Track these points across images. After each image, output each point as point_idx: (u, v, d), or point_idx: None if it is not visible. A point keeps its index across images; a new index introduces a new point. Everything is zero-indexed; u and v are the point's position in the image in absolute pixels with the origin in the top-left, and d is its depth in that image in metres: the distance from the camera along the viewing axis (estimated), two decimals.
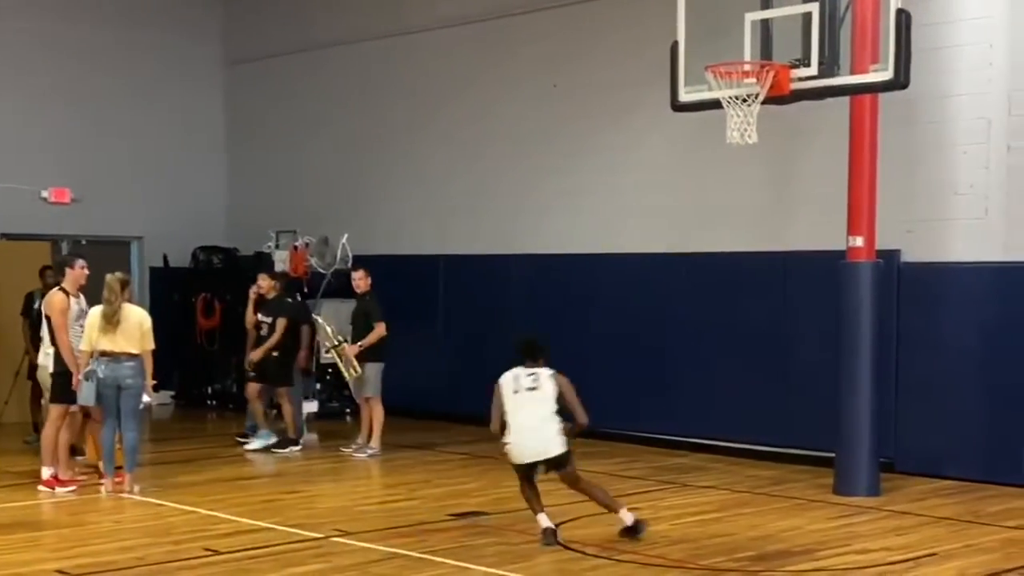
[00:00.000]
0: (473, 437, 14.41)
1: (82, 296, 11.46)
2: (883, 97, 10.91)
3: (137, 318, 10.96)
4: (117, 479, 11.09)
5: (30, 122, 17.36)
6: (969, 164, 12.07)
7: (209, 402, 17.97)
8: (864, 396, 11.16)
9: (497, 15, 15.93)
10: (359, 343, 13.40)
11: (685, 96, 10.57)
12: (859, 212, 11.15)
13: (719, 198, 13.88)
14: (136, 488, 11.05)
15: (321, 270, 15.98)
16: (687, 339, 13.97)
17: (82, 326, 11.03)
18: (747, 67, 10.08)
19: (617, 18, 14.69)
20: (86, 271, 11.49)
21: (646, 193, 14.53)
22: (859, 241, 11.14)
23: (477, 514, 10.24)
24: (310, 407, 14.91)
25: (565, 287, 14.95)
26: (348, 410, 16.38)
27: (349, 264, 15.15)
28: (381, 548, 8.94)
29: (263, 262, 16.14)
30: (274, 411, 14.48)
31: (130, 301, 11.07)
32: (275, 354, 13.76)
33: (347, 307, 14.31)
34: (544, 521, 9.12)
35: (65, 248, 17.10)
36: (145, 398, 11.12)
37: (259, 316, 13.99)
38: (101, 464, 11.30)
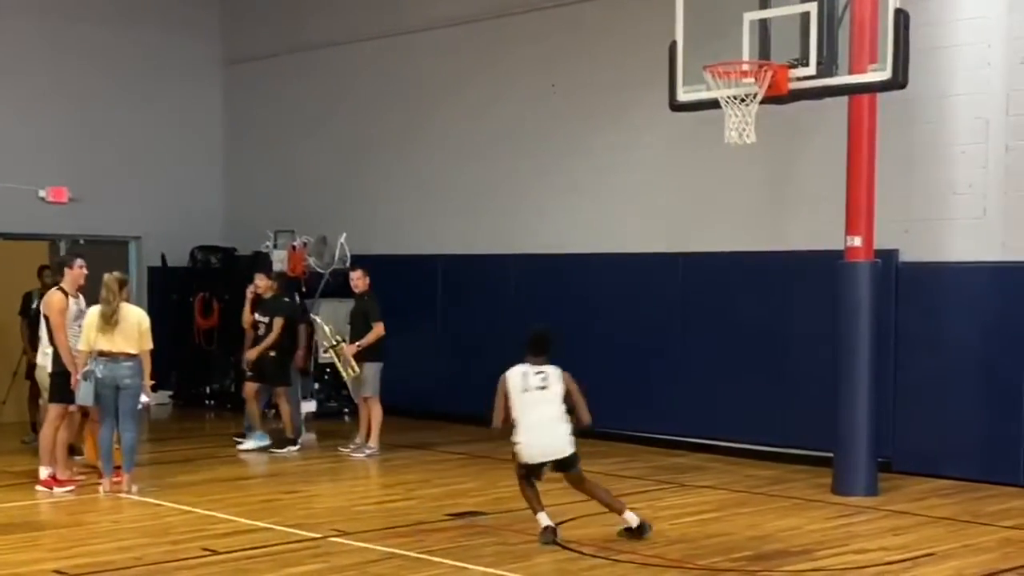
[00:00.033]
0: (471, 437, 14.42)
1: (81, 296, 11.46)
2: (881, 97, 10.91)
3: (135, 318, 10.96)
4: (115, 479, 11.08)
5: (27, 121, 17.34)
6: (967, 164, 12.07)
7: (207, 402, 17.96)
8: (862, 396, 11.16)
9: (496, 15, 15.93)
10: (357, 343, 13.40)
11: (683, 96, 10.57)
12: (857, 212, 11.15)
13: (717, 198, 13.88)
14: (134, 488, 11.04)
15: (319, 270, 15.99)
16: (685, 339, 13.98)
17: (81, 326, 11.02)
18: (745, 67, 10.08)
19: (615, 18, 14.69)
20: (85, 271, 11.49)
21: (644, 193, 14.54)
22: (857, 241, 11.15)
23: (475, 514, 10.24)
24: (308, 407, 14.91)
25: (563, 287, 14.94)
26: (346, 410, 16.40)
27: (347, 264, 15.15)
28: (379, 548, 8.94)
29: (261, 262, 16.14)
30: (272, 411, 14.49)
31: (128, 301, 11.07)
32: (272, 354, 13.76)
33: (345, 307, 14.32)
34: (544, 520, 9.12)
35: (63, 248, 17.10)
36: (143, 398, 11.11)
37: (256, 316, 13.99)
38: (99, 464, 11.29)
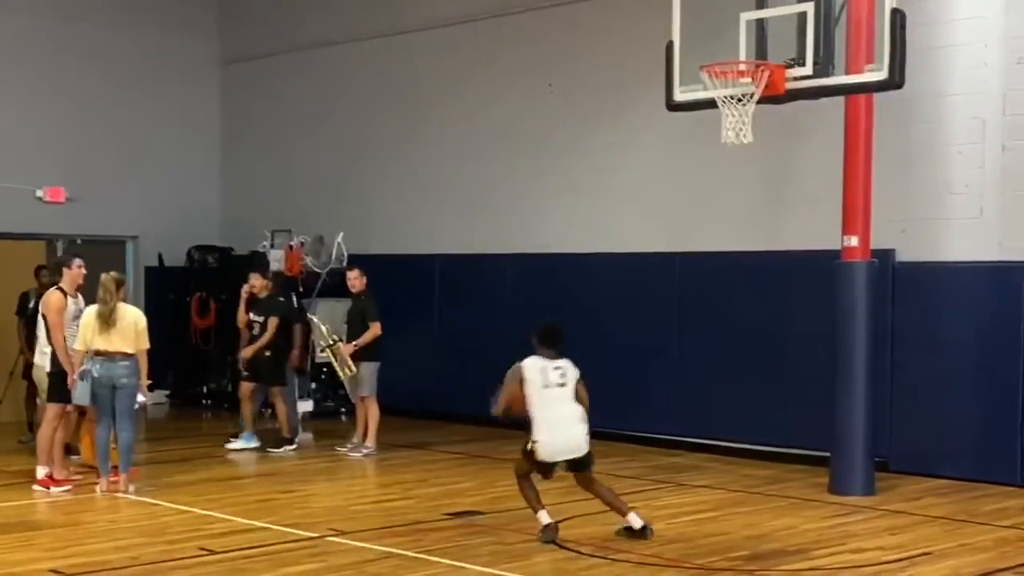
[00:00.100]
0: (468, 436, 14.44)
1: (80, 296, 11.45)
2: (878, 97, 10.92)
3: (132, 318, 10.95)
4: (112, 478, 11.07)
5: (24, 121, 17.32)
6: (964, 164, 12.08)
7: (204, 401, 17.95)
8: (859, 395, 11.17)
9: (493, 15, 15.93)
10: (354, 342, 13.40)
11: (680, 96, 10.58)
12: (854, 211, 11.16)
13: (715, 198, 13.89)
14: (131, 488, 11.04)
15: (316, 269, 16.00)
16: (682, 338, 13.98)
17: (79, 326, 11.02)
18: (742, 67, 10.09)
19: (613, 18, 14.69)
20: (83, 271, 11.48)
21: (642, 193, 14.54)
22: (854, 240, 11.15)
23: (472, 513, 10.24)
24: (305, 406, 14.89)
25: (560, 287, 14.93)
26: (343, 409, 16.39)
27: (344, 263, 15.14)
28: (376, 547, 8.93)
29: (258, 261, 16.14)
30: (269, 410, 14.49)
31: (125, 301, 11.07)
32: (267, 353, 13.75)
33: (343, 306, 14.32)
34: (545, 518, 9.11)
35: (60, 248, 17.08)
36: (140, 398, 11.10)
37: (251, 315, 13.98)
38: (96, 463, 11.27)
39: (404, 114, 17.08)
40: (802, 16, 10.00)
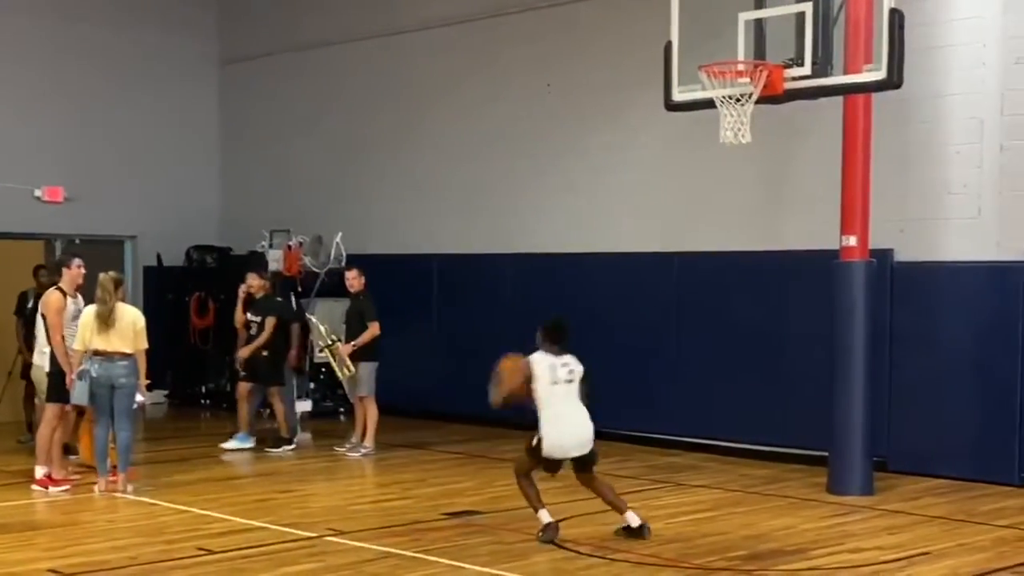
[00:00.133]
0: (467, 436, 14.45)
1: (79, 296, 11.45)
2: (876, 97, 10.92)
3: (131, 317, 10.95)
4: (111, 478, 11.08)
5: (23, 120, 17.31)
6: (962, 164, 12.08)
7: (203, 401, 17.96)
8: (857, 395, 11.17)
9: (490, 15, 15.93)
10: (352, 342, 13.40)
11: (679, 96, 10.58)
12: (852, 211, 11.17)
13: (713, 198, 13.89)
14: (129, 487, 11.04)
15: (315, 269, 15.99)
16: (680, 338, 13.99)
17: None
18: (741, 67, 10.09)
19: (611, 18, 14.69)
20: (83, 271, 11.48)
21: (640, 192, 14.54)
22: (852, 240, 11.16)
23: (471, 513, 10.25)
24: (304, 406, 14.88)
25: (559, 286, 14.93)
26: (342, 409, 16.38)
27: (343, 263, 15.14)
28: (375, 547, 8.94)
29: (256, 261, 16.14)
30: (267, 410, 14.48)
31: (123, 301, 11.07)
32: (265, 353, 13.75)
33: (341, 306, 14.31)
34: (545, 517, 9.11)
35: (59, 247, 17.08)
36: (139, 397, 11.11)
37: (248, 315, 13.99)
38: (95, 463, 11.27)
39: (403, 114, 17.09)
40: (800, 16, 10.01)
